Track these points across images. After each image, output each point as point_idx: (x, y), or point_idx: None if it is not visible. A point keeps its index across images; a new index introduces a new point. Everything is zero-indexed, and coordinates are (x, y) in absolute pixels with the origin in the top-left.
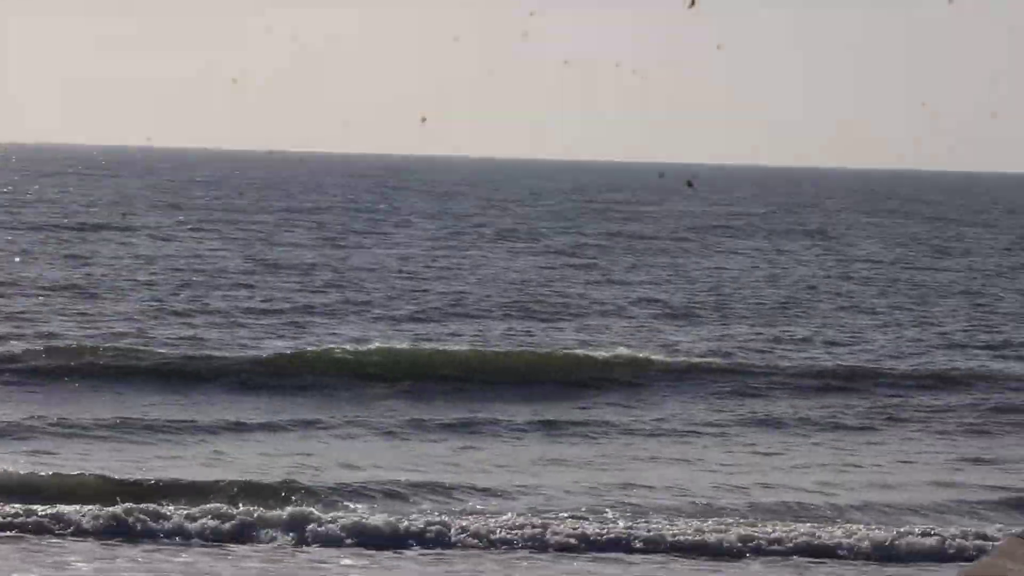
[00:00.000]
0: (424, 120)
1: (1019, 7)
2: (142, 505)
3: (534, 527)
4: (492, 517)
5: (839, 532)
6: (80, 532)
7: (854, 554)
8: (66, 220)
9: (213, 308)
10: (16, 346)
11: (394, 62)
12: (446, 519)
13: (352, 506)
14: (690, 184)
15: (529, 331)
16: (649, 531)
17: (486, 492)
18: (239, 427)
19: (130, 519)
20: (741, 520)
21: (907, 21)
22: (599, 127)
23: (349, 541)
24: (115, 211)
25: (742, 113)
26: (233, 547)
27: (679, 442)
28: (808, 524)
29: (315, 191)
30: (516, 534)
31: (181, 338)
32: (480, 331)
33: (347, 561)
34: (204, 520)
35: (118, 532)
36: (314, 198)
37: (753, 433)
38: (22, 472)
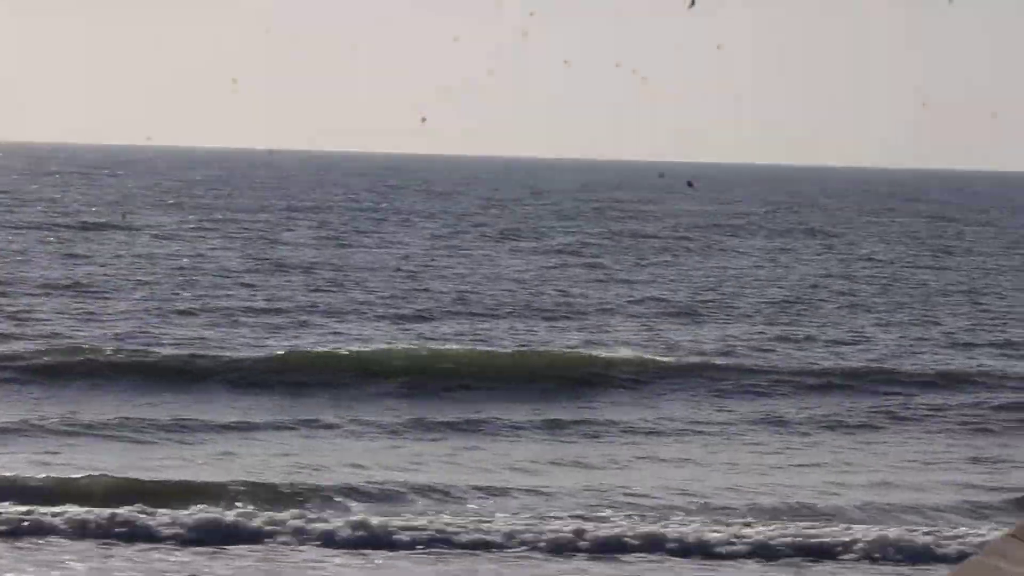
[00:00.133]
0: (424, 120)
1: (1019, 7)
2: (136, 505)
3: (533, 526)
4: (492, 516)
5: (839, 532)
6: (76, 532)
7: (854, 554)
8: (67, 219)
9: (214, 307)
10: (18, 345)
11: (394, 62)
12: (445, 518)
13: (351, 505)
14: (691, 184)
15: (531, 330)
16: (649, 531)
17: (486, 491)
18: (239, 426)
19: (125, 518)
20: (741, 520)
21: (907, 21)
22: (599, 127)
23: (347, 541)
24: (116, 210)
25: (742, 113)
26: (229, 547)
27: (680, 441)
28: (808, 524)
29: (316, 190)
30: (515, 533)
31: (182, 337)
32: (481, 330)
33: (344, 560)
34: (200, 518)
35: (113, 532)
36: (315, 197)
37: (754, 432)
38: (22, 472)
